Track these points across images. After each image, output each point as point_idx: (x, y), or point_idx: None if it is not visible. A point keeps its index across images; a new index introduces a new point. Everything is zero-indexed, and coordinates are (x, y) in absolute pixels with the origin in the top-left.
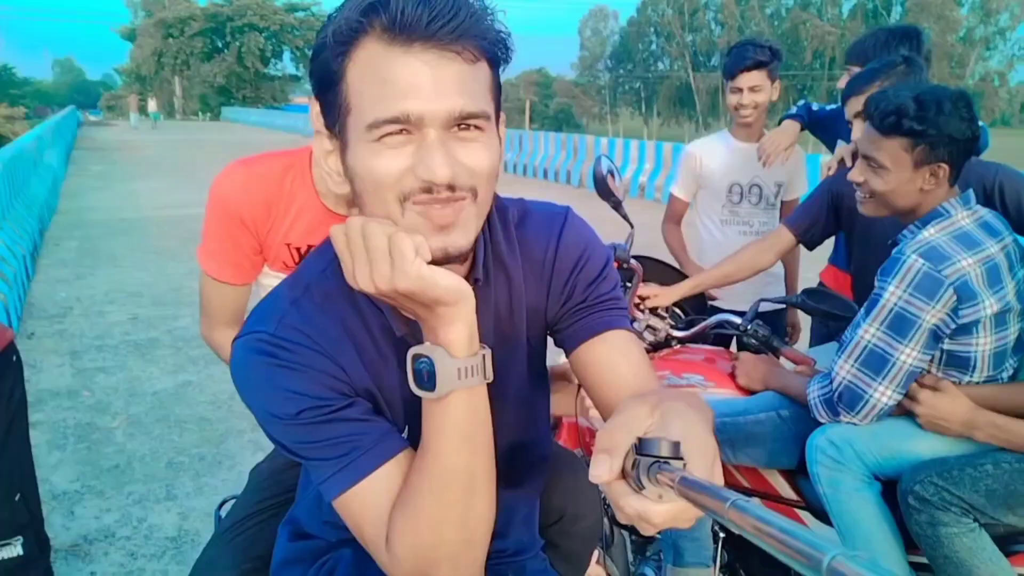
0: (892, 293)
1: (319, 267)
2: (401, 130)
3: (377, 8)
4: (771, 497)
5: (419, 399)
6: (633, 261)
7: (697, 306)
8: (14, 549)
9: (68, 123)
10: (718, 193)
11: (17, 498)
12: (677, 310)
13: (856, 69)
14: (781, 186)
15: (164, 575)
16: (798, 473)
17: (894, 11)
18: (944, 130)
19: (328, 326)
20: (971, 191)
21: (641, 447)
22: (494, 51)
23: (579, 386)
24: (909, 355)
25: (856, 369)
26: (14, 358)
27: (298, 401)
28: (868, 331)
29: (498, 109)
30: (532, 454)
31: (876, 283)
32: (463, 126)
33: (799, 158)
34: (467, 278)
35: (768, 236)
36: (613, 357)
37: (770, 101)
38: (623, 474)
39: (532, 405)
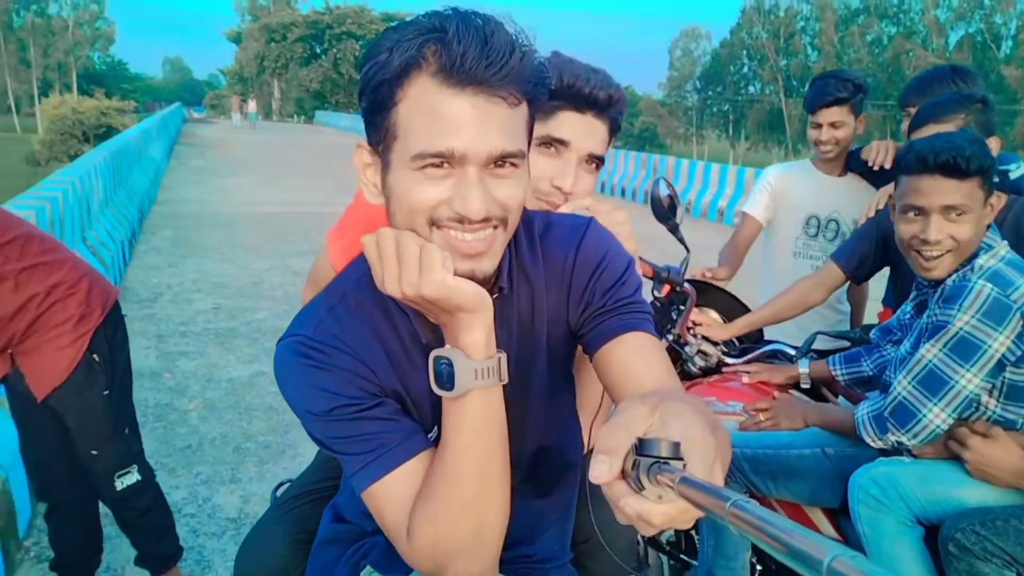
0: (960, 319)
1: (355, 277)
2: (443, 163)
3: (438, 47)
4: None
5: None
6: (687, 285)
7: (752, 333)
8: (133, 476)
9: (173, 118)
10: (794, 223)
11: (127, 431)
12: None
13: (915, 111)
14: (857, 223)
15: (223, 553)
16: (841, 513)
17: (1004, 44)
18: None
19: (360, 331)
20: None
21: (641, 447)
22: (535, 92)
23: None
24: (970, 381)
25: (912, 387)
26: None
27: (330, 399)
28: (930, 351)
29: (530, 141)
30: (558, 460)
31: (938, 312)
32: (499, 163)
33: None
34: (492, 287)
35: (817, 273)
36: (631, 359)
37: (855, 134)
38: (623, 474)
39: (556, 411)
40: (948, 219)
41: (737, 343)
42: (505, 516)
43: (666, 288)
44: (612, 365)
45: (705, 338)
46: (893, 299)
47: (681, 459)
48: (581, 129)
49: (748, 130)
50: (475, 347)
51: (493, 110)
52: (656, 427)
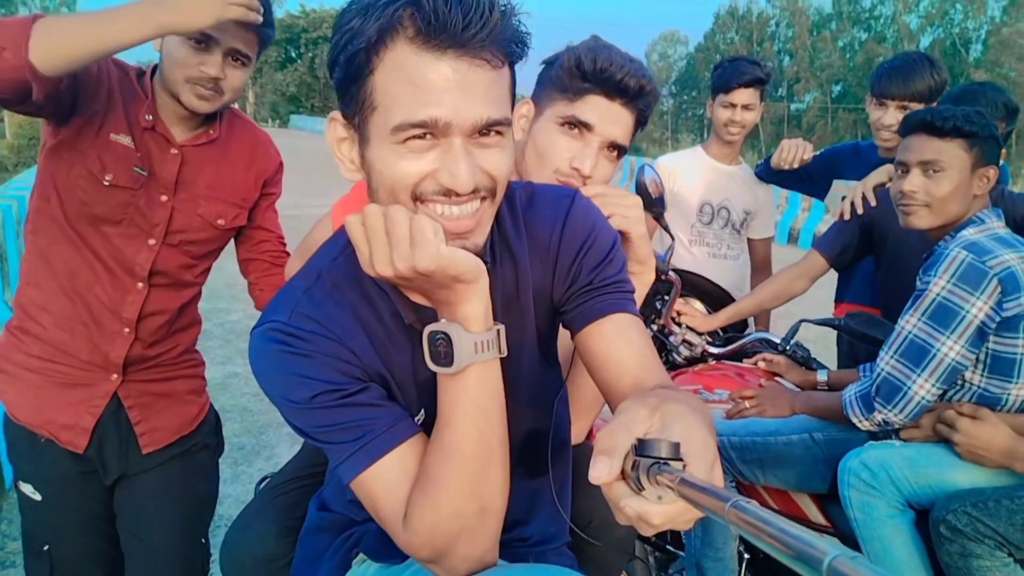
0: (936, 284)
1: (330, 256)
2: (426, 134)
3: (414, 9)
4: (799, 521)
5: (433, 383)
6: (672, 274)
7: (737, 323)
8: None
9: None
10: (688, 211)
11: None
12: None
13: (892, 103)
14: (748, 215)
15: None
16: (828, 498)
17: (973, 49)
18: (993, 132)
19: (339, 313)
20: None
21: (641, 448)
22: (518, 53)
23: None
24: (951, 348)
25: (895, 360)
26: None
27: (312, 386)
28: (910, 321)
29: (513, 105)
30: (549, 438)
31: (919, 281)
32: (484, 132)
33: (769, 195)
34: None
35: (799, 263)
36: (616, 341)
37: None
38: (623, 475)
39: (544, 387)
40: (925, 175)
41: (721, 332)
42: (506, 494)
43: None
44: (596, 346)
45: (690, 327)
46: (862, 293)
47: (681, 460)
48: (607, 115)
49: None
50: (474, 319)
51: (476, 74)
52: (656, 428)
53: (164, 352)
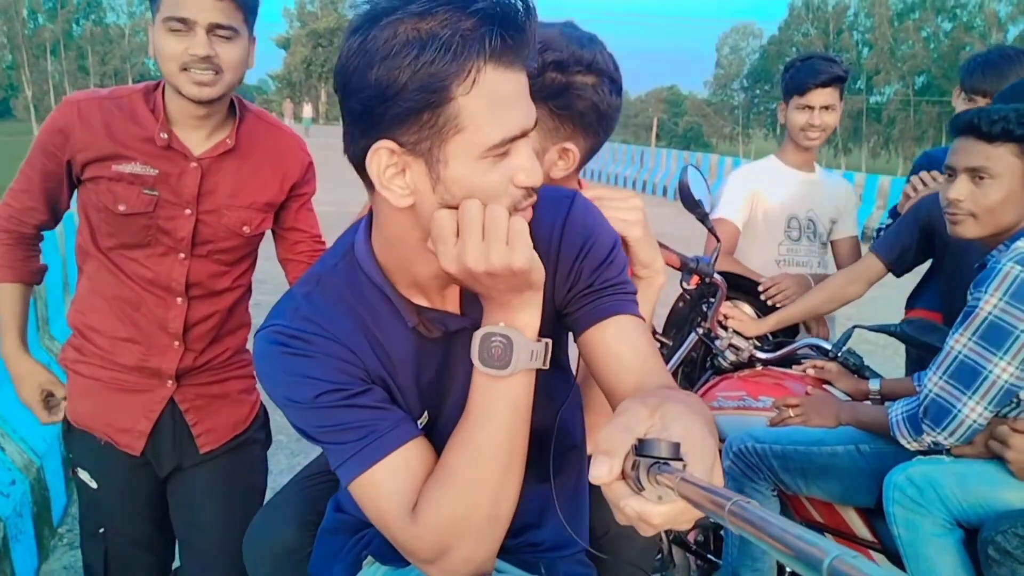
0: (987, 302)
1: (331, 262)
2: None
3: (487, 28)
4: (844, 535)
5: (435, 386)
6: (717, 276)
7: (789, 328)
8: None
9: None
10: (774, 228)
11: None
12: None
13: (982, 100)
14: (834, 223)
15: None
16: (876, 513)
17: None
18: None
19: (340, 316)
20: None
21: (641, 448)
22: None
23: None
24: (1004, 370)
25: (944, 381)
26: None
27: (315, 386)
28: (960, 341)
29: None
30: (561, 443)
31: (969, 296)
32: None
33: (850, 194)
34: None
35: (855, 266)
36: (618, 343)
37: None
38: (623, 475)
39: (551, 391)
40: (973, 182)
41: (771, 337)
42: (517, 498)
43: (695, 279)
44: (598, 348)
45: (737, 332)
46: (933, 299)
47: (681, 460)
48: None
49: None
50: (532, 327)
51: (524, 79)
52: (657, 428)
53: (215, 357)
